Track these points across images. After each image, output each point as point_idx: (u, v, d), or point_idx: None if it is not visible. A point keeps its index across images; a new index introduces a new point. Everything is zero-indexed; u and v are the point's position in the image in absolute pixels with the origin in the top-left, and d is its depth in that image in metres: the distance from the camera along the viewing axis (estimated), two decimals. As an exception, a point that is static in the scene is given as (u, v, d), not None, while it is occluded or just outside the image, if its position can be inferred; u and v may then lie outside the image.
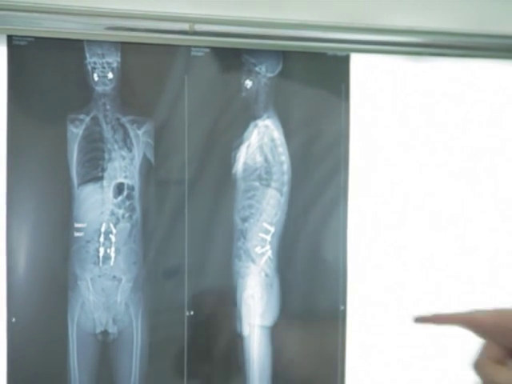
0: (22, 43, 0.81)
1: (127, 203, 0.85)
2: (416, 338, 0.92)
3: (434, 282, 0.92)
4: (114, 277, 0.85)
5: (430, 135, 0.92)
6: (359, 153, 0.90)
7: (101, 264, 0.85)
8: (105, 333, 0.85)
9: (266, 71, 0.88)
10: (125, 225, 0.85)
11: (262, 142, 0.87)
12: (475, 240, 0.94)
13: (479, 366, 0.65)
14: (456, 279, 0.92)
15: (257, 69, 0.88)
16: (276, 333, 0.86)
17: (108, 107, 0.84)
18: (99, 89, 0.84)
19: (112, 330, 0.84)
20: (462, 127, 0.94)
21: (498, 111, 0.95)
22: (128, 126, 0.85)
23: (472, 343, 0.63)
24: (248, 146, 0.87)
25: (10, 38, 0.81)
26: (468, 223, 0.94)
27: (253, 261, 0.87)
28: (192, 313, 0.85)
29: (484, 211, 0.92)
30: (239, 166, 0.87)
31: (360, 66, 0.90)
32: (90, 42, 0.83)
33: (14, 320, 0.82)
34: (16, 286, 0.82)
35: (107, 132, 0.84)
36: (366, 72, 0.90)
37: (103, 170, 0.84)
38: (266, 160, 0.87)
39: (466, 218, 0.93)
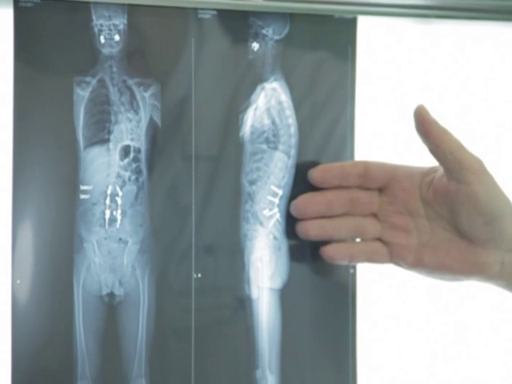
0: (29, 5, 0.81)
1: (134, 166, 0.84)
2: (427, 299, 0.91)
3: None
4: (121, 239, 0.84)
5: (436, 98, 0.92)
6: (365, 115, 0.89)
7: (107, 226, 0.84)
8: (111, 295, 0.84)
9: (273, 34, 0.87)
10: (131, 187, 0.84)
11: (270, 105, 0.87)
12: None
13: None
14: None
15: (264, 31, 0.87)
16: (285, 295, 0.85)
17: (114, 69, 0.84)
18: (106, 51, 0.84)
19: (118, 292, 0.84)
20: (468, 90, 0.93)
21: (507, 74, 0.94)
22: (135, 88, 0.85)
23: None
24: (255, 109, 0.87)
25: (16, 0, 0.81)
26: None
27: (261, 223, 0.86)
28: (199, 275, 0.84)
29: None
30: (246, 129, 0.86)
31: (367, 28, 0.89)
32: (96, 3, 0.83)
33: (18, 282, 0.82)
34: (21, 247, 0.82)
35: (114, 94, 0.84)
36: (373, 35, 0.90)
37: (109, 132, 0.84)
38: (273, 123, 0.87)
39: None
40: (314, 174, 0.79)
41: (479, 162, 0.69)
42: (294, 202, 0.79)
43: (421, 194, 0.71)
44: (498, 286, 0.73)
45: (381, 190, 0.75)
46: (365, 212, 0.77)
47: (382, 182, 0.72)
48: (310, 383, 0.87)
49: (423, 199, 0.71)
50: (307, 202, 0.79)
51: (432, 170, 0.73)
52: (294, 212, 0.79)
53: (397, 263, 0.78)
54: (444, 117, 0.87)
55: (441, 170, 0.71)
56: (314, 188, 0.85)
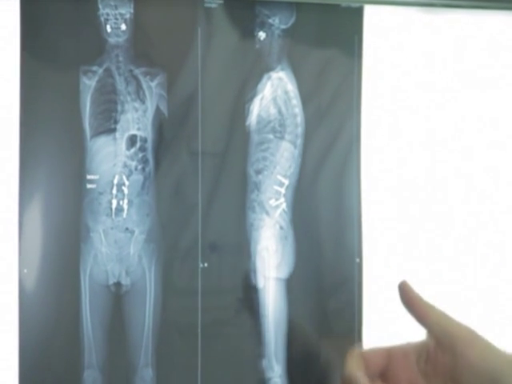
0: (35, -6, 0.81)
1: (140, 155, 0.84)
2: (433, 287, 0.91)
3: (451, 231, 0.91)
4: (127, 229, 0.84)
5: (442, 87, 0.91)
6: (371, 104, 0.89)
7: (113, 216, 0.84)
8: (118, 284, 0.84)
9: (279, 23, 0.87)
10: (138, 177, 0.84)
11: (276, 95, 0.87)
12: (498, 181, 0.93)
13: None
14: (472, 227, 0.91)
15: (270, 20, 0.87)
16: (291, 285, 0.85)
17: (121, 59, 0.84)
18: (112, 40, 0.84)
19: (125, 281, 0.84)
20: (476, 80, 0.93)
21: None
22: (141, 77, 0.85)
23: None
24: (261, 99, 0.86)
25: (23, -10, 0.81)
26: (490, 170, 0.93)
27: (267, 213, 0.86)
28: (206, 265, 0.84)
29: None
30: (253, 119, 0.86)
31: (373, 17, 0.89)
32: (102, -8, 0.83)
33: (25, 271, 0.82)
34: (28, 237, 0.82)
35: (120, 84, 0.84)
36: (380, 24, 0.90)
37: (116, 121, 0.84)
38: (279, 112, 0.87)
39: (484, 164, 0.92)
40: None
41: (469, 331, 0.70)
42: None
43: (419, 369, 0.72)
44: None
45: (381, 375, 0.75)
46: None
47: (380, 368, 0.73)
48: (316, 372, 0.87)
49: (423, 373, 0.72)
50: None
51: (425, 344, 0.74)
52: None
53: None
54: (451, 104, 0.87)
55: (433, 343, 0.72)
56: (319, 178, 0.85)
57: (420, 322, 0.71)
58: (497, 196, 0.93)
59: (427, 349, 0.70)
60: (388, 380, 0.72)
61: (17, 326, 0.82)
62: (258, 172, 0.86)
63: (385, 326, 0.89)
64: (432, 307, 0.71)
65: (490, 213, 0.92)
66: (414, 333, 0.86)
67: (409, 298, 0.71)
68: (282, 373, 0.85)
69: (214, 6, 0.85)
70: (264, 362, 0.85)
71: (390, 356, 0.72)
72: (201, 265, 0.84)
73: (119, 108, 0.84)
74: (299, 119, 0.87)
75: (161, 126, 0.84)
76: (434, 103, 0.91)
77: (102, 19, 0.83)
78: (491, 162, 0.92)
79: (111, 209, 0.84)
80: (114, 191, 0.84)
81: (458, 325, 0.69)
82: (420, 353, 0.71)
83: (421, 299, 0.71)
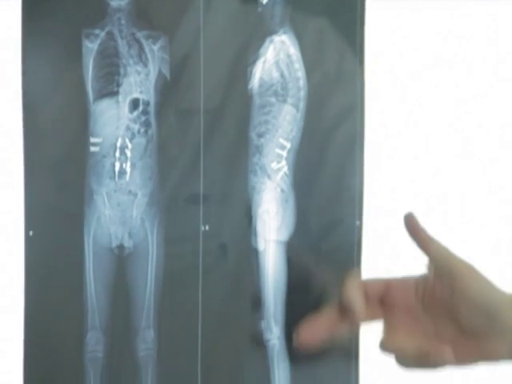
0: (37, -43, 0.82)
1: (143, 118, 0.85)
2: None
3: (448, 191, 0.90)
4: (130, 191, 0.85)
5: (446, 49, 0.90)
6: (374, 67, 0.88)
7: (116, 179, 0.85)
8: (121, 247, 0.85)
9: (281, -14, 0.87)
10: (140, 140, 0.85)
11: (278, 58, 0.87)
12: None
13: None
14: (471, 192, 0.91)
15: (273, -17, 0.87)
16: (291, 248, 0.86)
17: (123, 22, 0.84)
18: (114, 3, 0.84)
19: (128, 244, 0.85)
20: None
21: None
22: (143, 40, 0.85)
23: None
24: (264, 62, 0.86)
25: (24, -48, 0.81)
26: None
27: (268, 176, 0.86)
28: (207, 227, 0.85)
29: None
30: (255, 82, 0.86)
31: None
32: (105, -45, 0.83)
33: (31, 233, 0.83)
34: (33, 199, 0.83)
35: (122, 47, 0.84)
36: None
37: (118, 85, 0.84)
38: (282, 76, 0.87)
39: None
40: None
41: (469, 266, 0.70)
42: (297, 333, 0.72)
43: (417, 300, 0.72)
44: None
45: (379, 303, 0.75)
46: (372, 319, 0.75)
47: (378, 295, 0.73)
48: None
49: (421, 305, 0.72)
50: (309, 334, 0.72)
51: (425, 278, 0.73)
52: (297, 341, 0.73)
53: None
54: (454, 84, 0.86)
55: (432, 277, 0.72)
56: (321, 142, 0.85)
57: (423, 249, 0.71)
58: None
59: (426, 281, 0.70)
60: (385, 308, 0.72)
61: (22, 288, 0.83)
62: (260, 135, 0.86)
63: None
64: (435, 240, 0.71)
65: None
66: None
67: (413, 227, 0.71)
68: (280, 334, 0.86)
69: (216, -32, 0.85)
70: (263, 324, 0.86)
71: (389, 286, 0.72)
72: (202, 227, 0.85)
73: (122, 71, 0.84)
74: (301, 83, 0.87)
75: (163, 90, 0.85)
76: (439, 67, 0.90)
77: (105, -18, 0.84)
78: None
79: (114, 172, 0.85)
80: (117, 154, 0.85)
81: (460, 260, 0.70)
82: (419, 285, 0.71)
83: (425, 231, 0.71)
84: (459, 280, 0.68)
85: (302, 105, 0.87)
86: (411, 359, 0.68)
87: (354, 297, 0.69)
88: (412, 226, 0.71)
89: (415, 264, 0.86)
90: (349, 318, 0.69)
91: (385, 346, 0.70)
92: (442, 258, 0.70)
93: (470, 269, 0.69)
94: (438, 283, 0.70)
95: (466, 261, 0.70)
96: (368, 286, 0.72)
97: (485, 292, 0.68)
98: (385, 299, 0.73)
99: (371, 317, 0.72)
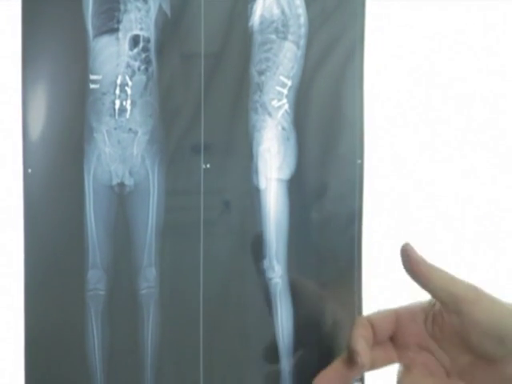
0: None
1: (143, 55, 0.84)
2: (435, 195, 0.90)
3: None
4: (130, 129, 0.85)
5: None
6: (376, 7, 0.87)
7: (117, 116, 0.84)
8: (121, 185, 0.85)
9: None
10: (140, 77, 0.84)
11: (279, -5, 0.86)
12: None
13: None
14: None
15: None
16: (293, 186, 0.85)
17: (123, -43, 0.83)
18: None
19: (128, 182, 0.84)
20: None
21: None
22: (143, -23, 0.84)
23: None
24: (265, -1, 0.85)
25: None
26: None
27: (269, 114, 0.85)
28: (208, 166, 0.84)
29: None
30: (256, 19, 0.85)
31: None
32: None
33: (30, 171, 0.83)
34: (32, 137, 0.82)
35: (122, -17, 0.83)
36: None
37: (119, 21, 0.84)
38: (282, 12, 0.86)
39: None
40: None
41: (473, 290, 0.68)
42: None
43: (427, 330, 0.71)
44: None
45: (390, 339, 0.74)
46: (385, 363, 0.75)
47: (389, 332, 0.72)
48: (315, 273, 0.87)
49: (431, 335, 0.71)
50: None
51: (431, 305, 0.73)
52: None
53: None
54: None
55: (439, 305, 0.71)
56: (322, 80, 0.84)
57: (424, 287, 0.70)
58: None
59: (433, 309, 0.70)
60: (397, 343, 0.72)
61: (21, 226, 0.83)
62: (261, 73, 0.86)
63: (384, 232, 0.89)
64: (434, 270, 0.70)
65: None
66: (413, 236, 0.86)
67: (411, 263, 0.70)
68: (282, 273, 0.86)
69: None
70: (265, 263, 0.86)
71: (398, 319, 0.72)
72: (203, 166, 0.85)
73: (122, 7, 0.84)
74: (302, 20, 0.86)
75: (163, 26, 0.84)
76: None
77: None
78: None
79: (114, 109, 0.84)
80: (117, 91, 0.84)
81: (462, 284, 0.69)
82: (427, 313, 0.71)
83: (424, 263, 0.71)
84: (465, 306, 0.67)
85: (302, 42, 0.86)
86: None
87: (361, 350, 0.68)
88: (409, 259, 0.70)
89: (418, 214, 0.86)
90: (359, 369, 0.68)
91: None
92: (445, 291, 0.69)
93: (475, 292, 0.68)
94: (445, 311, 0.69)
95: (470, 284, 0.69)
96: (376, 327, 0.71)
97: (492, 313, 0.67)
98: (396, 336, 0.72)
99: (385, 362, 0.72)
